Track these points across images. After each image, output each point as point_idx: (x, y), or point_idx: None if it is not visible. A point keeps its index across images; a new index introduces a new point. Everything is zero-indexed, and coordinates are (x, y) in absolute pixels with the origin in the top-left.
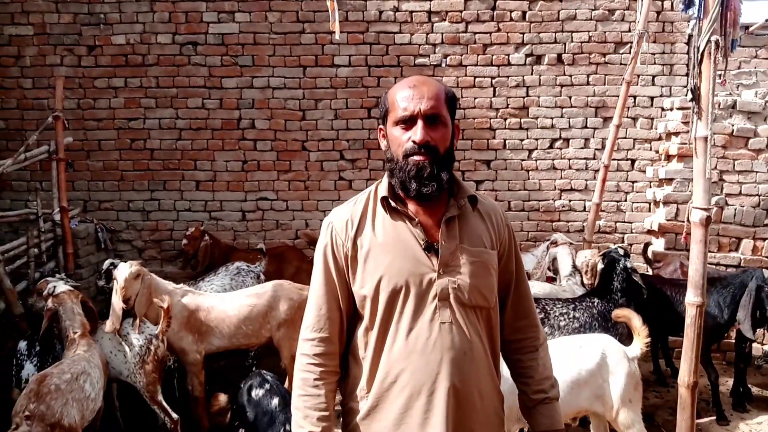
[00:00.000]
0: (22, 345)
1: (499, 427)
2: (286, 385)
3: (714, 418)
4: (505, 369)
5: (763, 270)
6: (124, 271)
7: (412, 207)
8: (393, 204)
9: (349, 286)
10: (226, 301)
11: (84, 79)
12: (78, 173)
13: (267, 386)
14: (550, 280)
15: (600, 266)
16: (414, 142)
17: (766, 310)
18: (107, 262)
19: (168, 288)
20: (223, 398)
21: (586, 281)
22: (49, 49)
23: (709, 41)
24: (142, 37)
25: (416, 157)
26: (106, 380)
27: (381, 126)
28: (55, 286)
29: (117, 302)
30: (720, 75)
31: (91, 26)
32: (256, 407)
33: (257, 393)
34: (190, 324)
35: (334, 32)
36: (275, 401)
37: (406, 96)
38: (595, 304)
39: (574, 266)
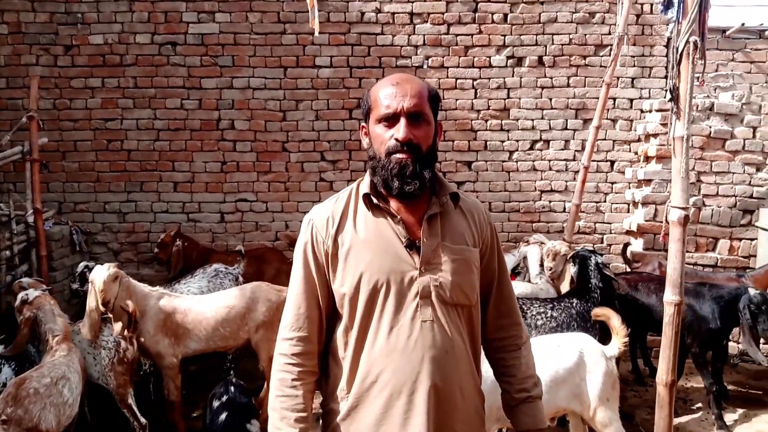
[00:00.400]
0: None
1: (480, 426)
2: (265, 386)
3: (694, 416)
4: (485, 368)
5: (749, 288)
6: (101, 273)
7: (394, 204)
8: (375, 201)
9: (329, 284)
10: (203, 303)
11: (60, 79)
12: (53, 174)
13: (224, 398)
14: (513, 277)
15: (573, 269)
16: (396, 139)
17: (758, 328)
18: (81, 265)
19: (144, 291)
20: None
21: (547, 264)
22: (25, 48)
23: (687, 42)
24: (120, 36)
25: (399, 155)
26: (81, 389)
27: (363, 124)
28: (27, 294)
29: (95, 306)
30: (698, 76)
31: (68, 25)
32: (212, 417)
33: (215, 404)
34: (167, 327)
35: (314, 30)
36: (223, 416)
37: (389, 93)
38: (574, 304)
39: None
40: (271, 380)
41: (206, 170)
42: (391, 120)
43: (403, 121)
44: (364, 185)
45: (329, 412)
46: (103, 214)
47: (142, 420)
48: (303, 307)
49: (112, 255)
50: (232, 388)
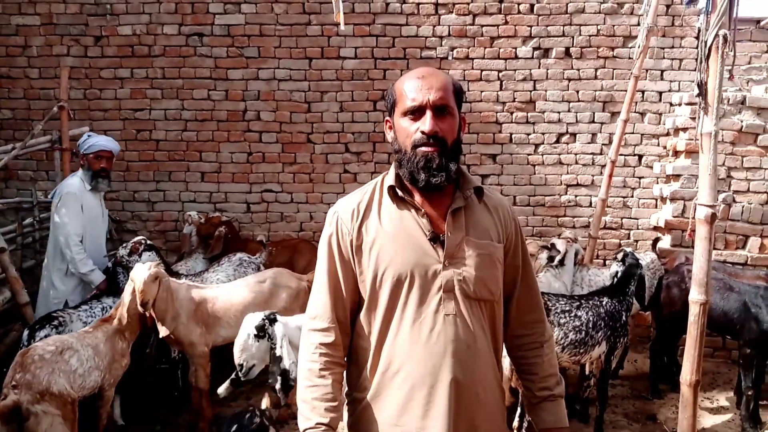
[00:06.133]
0: (25, 334)
1: (501, 420)
2: None
3: (719, 417)
4: None
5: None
6: (141, 273)
7: (418, 198)
8: (400, 194)
9: (355, 275)
10: (228, 290)
11: (90, 69)
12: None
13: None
14: None
15: (617, 267)
16: (423, 132)
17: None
18: (139, 239)
19: (174, 286)
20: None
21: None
22: (56, 39)
23: (717, 35)
24: (148, 27)
25: (424, 148)
26: (115, 372)
27: (388, 118)
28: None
29: (133, 306)
30: (728, 70)
31: (97, 16)
32: None
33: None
34: (198, 316)
35: (339, 23)
36: None
37: (414, 87)
38: (604, 303)
39: (562, 261)
40: (299, 371)
41: (233, 161)
42: (416, 113)
43: (429, 113)
44: (389, 178)
45: (353, 401)
46: (133, 203)
47: None
48: (328, 299)
49: None
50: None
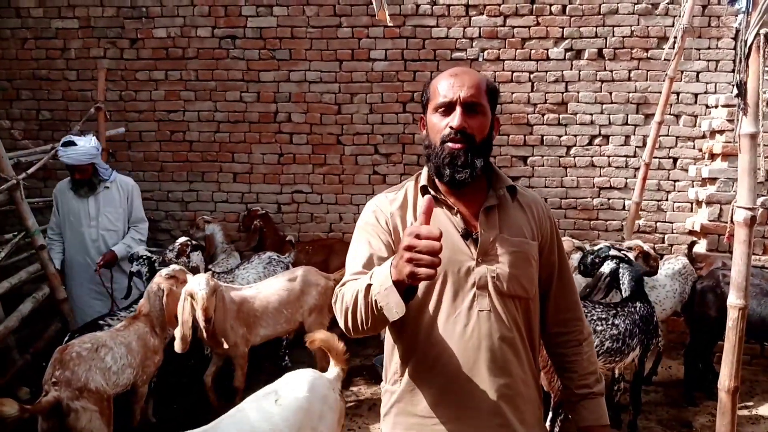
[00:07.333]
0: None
1: (538, 418)
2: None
3: (759, 427)
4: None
5: None
6: (201, 287)
7: (451, 197)
8: (432, 193)
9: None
10: (264, 289)
11: (126, 71)
12: (119, 163)
13: None
14: None
15: (608, 267)
16: (451, 127)
17: None
18: (185, 240)
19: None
20: None
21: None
22: (93, 41)
23: (758, 34)
24: (182, 30)
25: (451, 144)
26: (148, 369)
27: (422, 115)
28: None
29: (190, 320)
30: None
31: (133, 19)
32: None
33: None
34: (240, 317)
35: (386, 20)
36: None
37: (447, 84)
38: (638, 308)
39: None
40: (339, 311)
41: (264, 162)
42: (447, 109)
43: (458, 110)
44: (423, 178)
45: (386, 393)
46: (167, 203)
47: None
48: (360, 264)
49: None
50: None
